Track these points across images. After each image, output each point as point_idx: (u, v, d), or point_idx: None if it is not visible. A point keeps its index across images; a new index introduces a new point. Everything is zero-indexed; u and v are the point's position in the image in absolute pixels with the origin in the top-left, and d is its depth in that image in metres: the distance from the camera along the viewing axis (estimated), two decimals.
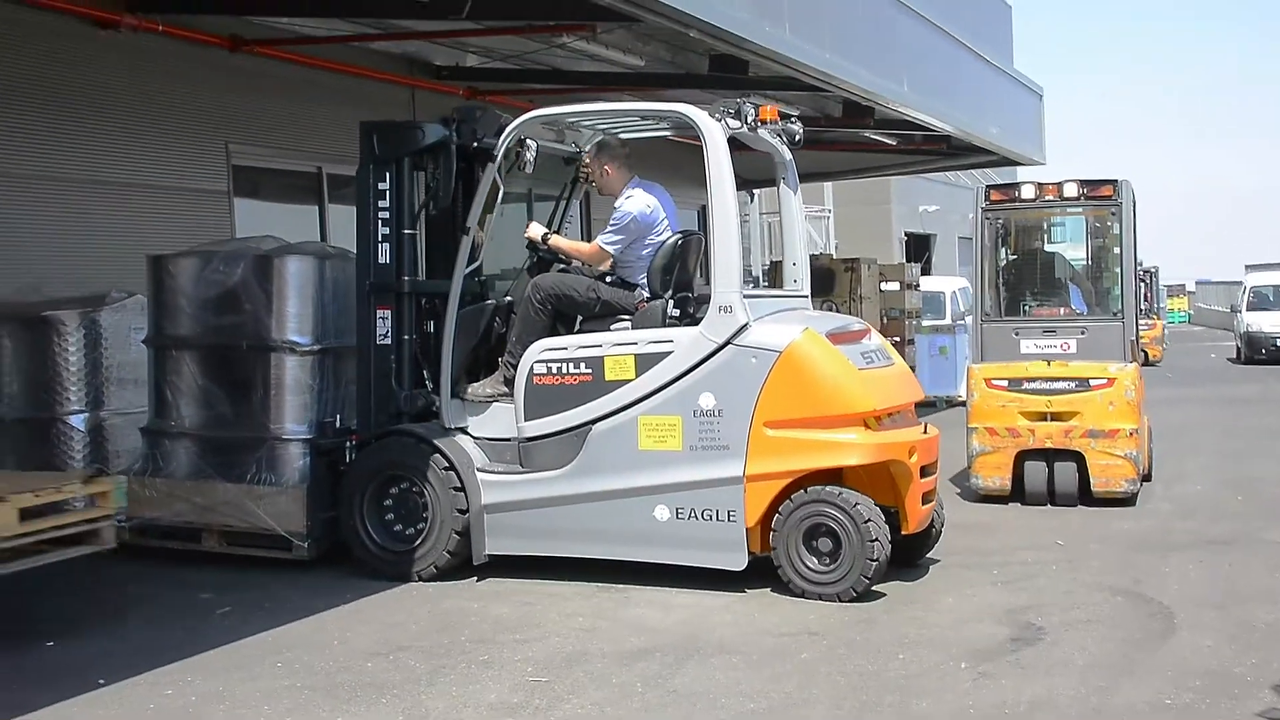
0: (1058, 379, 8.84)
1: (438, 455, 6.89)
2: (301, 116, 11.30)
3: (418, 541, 6.93)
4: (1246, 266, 29.95)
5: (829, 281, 16.24)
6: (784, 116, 7.34)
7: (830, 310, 16.36)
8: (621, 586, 6.61)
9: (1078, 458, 8.71)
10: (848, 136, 16.58)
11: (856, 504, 6.30)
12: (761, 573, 6.51)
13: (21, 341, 8.02)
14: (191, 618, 6.30)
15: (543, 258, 7.40)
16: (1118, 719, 4.60)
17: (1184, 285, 53.17)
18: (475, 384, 7.14)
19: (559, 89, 13.10)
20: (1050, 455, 8.79)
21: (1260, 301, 25.57)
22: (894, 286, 16.99)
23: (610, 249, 7.10)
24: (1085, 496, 8.73)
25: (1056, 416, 8.78)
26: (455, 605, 6.42)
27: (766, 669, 5.28)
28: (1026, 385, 8.88)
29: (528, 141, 7.14)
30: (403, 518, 7.02)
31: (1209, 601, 6.27)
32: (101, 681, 5.22)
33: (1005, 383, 8.91)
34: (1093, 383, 8.77)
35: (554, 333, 7.00)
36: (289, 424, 7.33)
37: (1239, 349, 25.48)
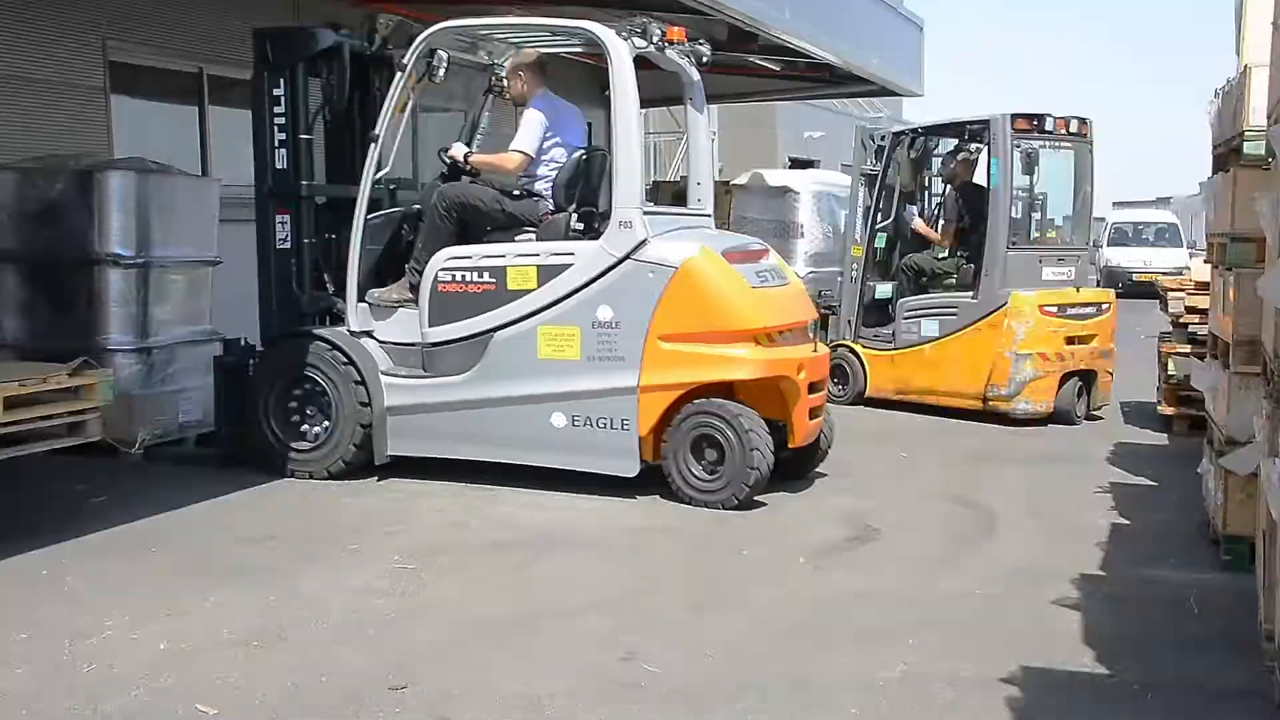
0: (1087, 304, 9.63)
1: (341, 356, 7.10)
2: (182, 17, 11.12)
3: (323, 440, 7.16)
4: (1113, 204, 31.18)
5: None
6: (693, 38, 7.54)
7: None
8: (494, 488, 6.91)
9: (1088, 377, 9.55)
10: (732, 60, 16.81)
11: (739, 415, 6.62)
12: (655, 480, 6.77)
13: None
14: (66, 505, 6.46)
15: (457, 170, 7.49)
16: (930, 605, 5.08)
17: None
18: (381, 289, 7.31)
19: (450, 2, 13.08)
20: (1080, 375, 9.53)
21: (1120, 238, 26.68)
22: None
23: (529, 150, 7.15)
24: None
25: (1082, 340, 9.50)
26: (329, 499, 6.68)
27: (619, 561, 5.66)
28: (1070, 311, 9.47)
29: (439, 53, 7.27)
30: (308, 418, 7.24)
31: (1029, 508, 6.83)
32: None
33: (1055, 309, 9.38)
34: (1103, 307, 9.70)
35: (460, 242, 7.17)
36: (114, 334, 7.52)
37: (1098, 283, 26.58)
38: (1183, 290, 8.81)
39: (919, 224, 10.44)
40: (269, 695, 4.03)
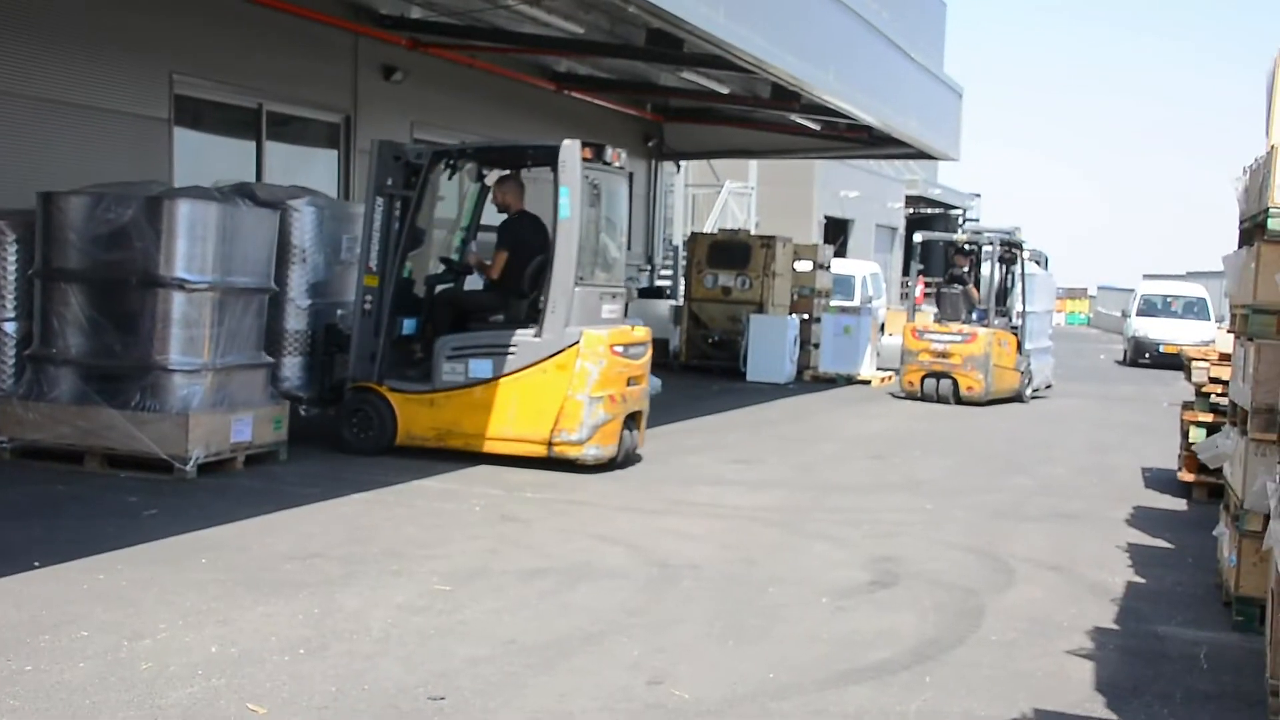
0: (640, 343, 9.40)
1: None
2: (245, 53, 11.57)
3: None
4: (1143, 275, 31.41)
5: (744, 256, 16.91)
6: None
7: (744, 284, 17.03)
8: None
9: (635, 417, 9.32)
10: (774, 118, 17.21)
11: None
12: None
13: None
14: (120, 516, 6.73)
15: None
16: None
17: (1085, 289, 55.34)
18: None
19: (499, 48, 13.51)
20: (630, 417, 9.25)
21: (1148, 309, 26.81)
22: (807, 266, 17.71)
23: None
24: None
25: (636, 380, 9.29)
26: (370, 521, 6.93)
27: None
28: (631, 350, 9.15)
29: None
30: None
31: (1048, 563, 6.99)
32: (37, 564, 5.64)
33: (622, 349, 9.00)
34: (646, 346, 9.54)
35: None
36: (174, 355, 7.82)
37: (1125, 352, 26.73)
38: (1206, 360, 8.98)
39: (473, 255, 9.47)
40: (314, 699, 4.25)
